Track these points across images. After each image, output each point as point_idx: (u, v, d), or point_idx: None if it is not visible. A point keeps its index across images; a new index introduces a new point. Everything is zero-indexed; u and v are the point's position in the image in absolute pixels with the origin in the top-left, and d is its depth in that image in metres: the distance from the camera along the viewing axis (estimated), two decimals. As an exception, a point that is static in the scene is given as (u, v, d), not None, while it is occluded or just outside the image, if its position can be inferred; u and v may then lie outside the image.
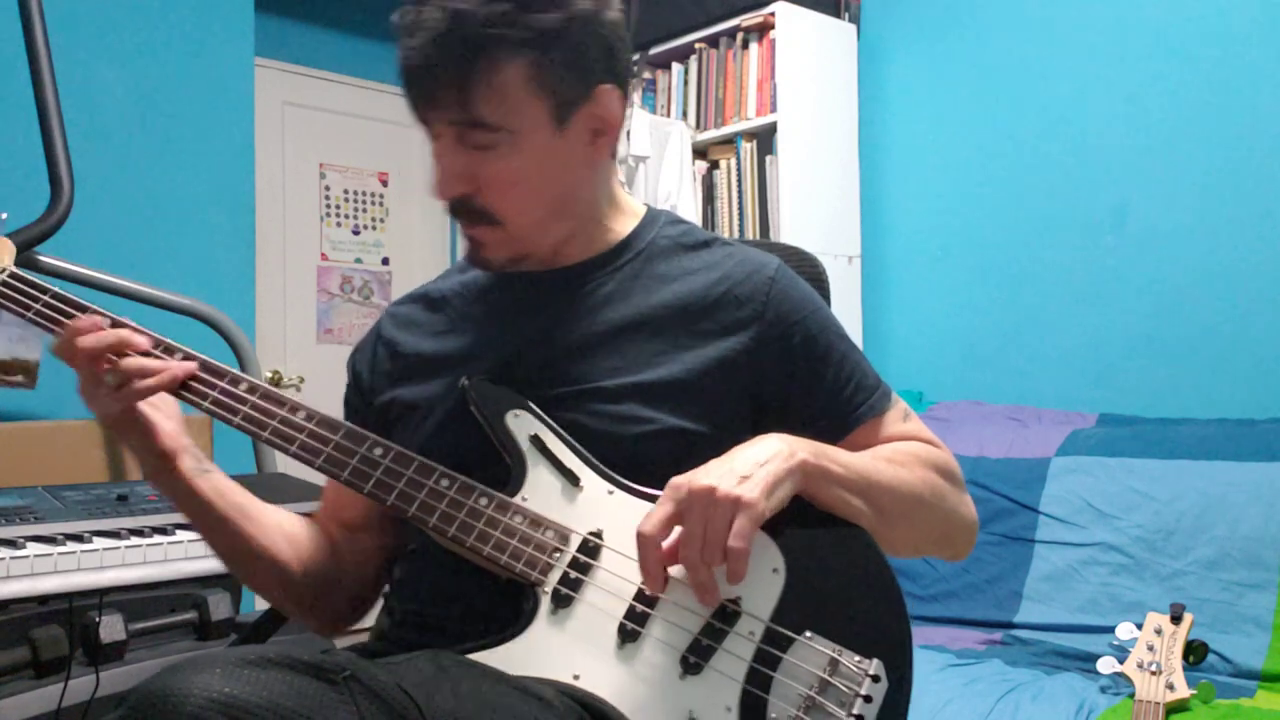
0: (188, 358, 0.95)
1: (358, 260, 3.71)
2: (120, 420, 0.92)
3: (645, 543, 0.80)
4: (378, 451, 0.92)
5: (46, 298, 0.99)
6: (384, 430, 0.99)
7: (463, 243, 0.98)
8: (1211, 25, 2.41)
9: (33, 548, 1.25)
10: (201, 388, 0.94)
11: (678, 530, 0.81)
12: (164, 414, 0.96)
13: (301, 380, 3.49)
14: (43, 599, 1.40)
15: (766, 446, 0.84)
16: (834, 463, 0.86)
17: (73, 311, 0.97)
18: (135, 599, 1.65)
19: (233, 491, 0.99)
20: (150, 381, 0.91)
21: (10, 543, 1.25)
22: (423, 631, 0.92)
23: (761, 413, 0.96)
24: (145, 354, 0.93)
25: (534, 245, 0.97)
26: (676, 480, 0.81)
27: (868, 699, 0.79)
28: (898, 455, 0.95)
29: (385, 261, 3.78)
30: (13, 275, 1.01)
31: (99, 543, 1.30)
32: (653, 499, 0.88)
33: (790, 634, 0.82)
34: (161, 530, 1.38)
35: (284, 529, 1.03)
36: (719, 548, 0.78)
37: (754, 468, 0.81)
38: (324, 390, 3.43)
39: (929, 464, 0.96)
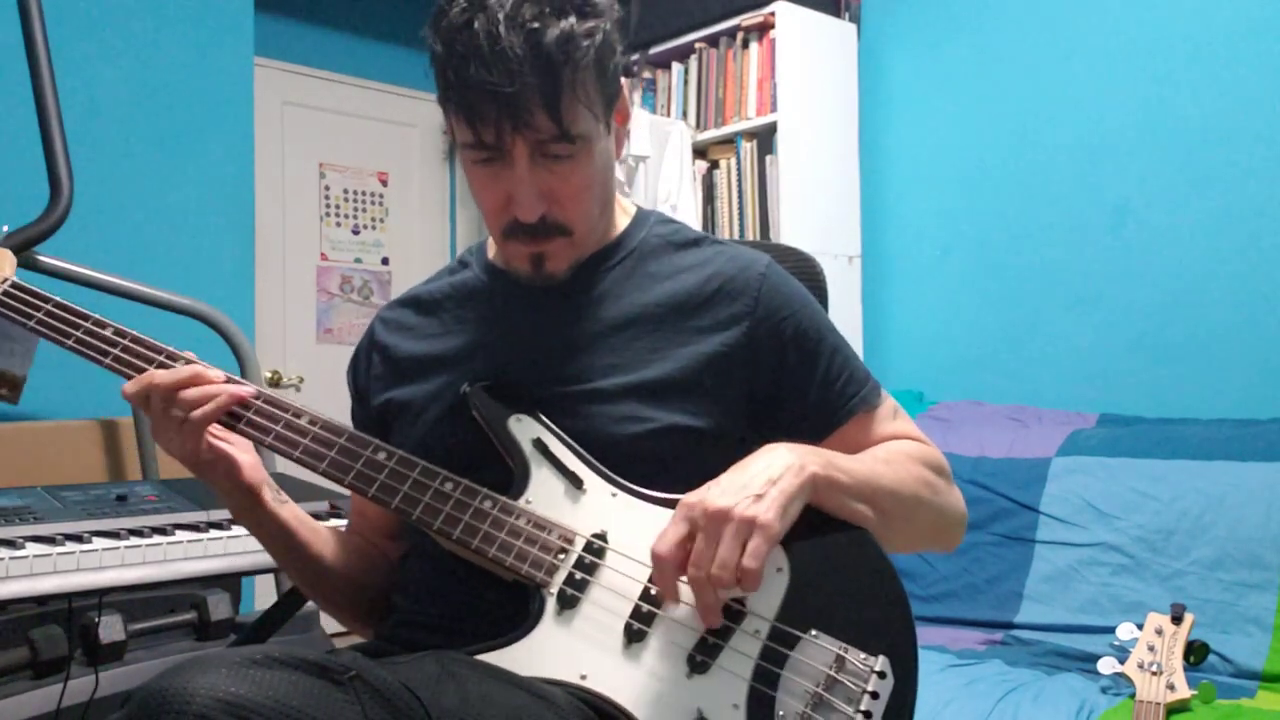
0: (190, 364, 0.96)
1: (357, 260, 3.71)
2: (199, 459, 0.93)
3: (661, 563, 0.80)
4: (381, 456, 0.92)
5: (49, 306, 1.00)
6: (382, 432, 0.99)
7: (522, 262, 0.96)
8: (1212, 25, 2.41)
9: (32, 548, 1.24)
10: None
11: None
12: (240, 449, 0.96)
13: (301, 380, 3.49)
14: (42, 599, 1.40)
15: (778, 460, 0.84)
16: (841, 472, 0.87)
17: (75, 320, 0.99)
18: (134, 599, 1.65)
19: (306, 517, 1.03)
20: (208, 408, 0.91)
21: (9, 543, 1.24)
22: (425, 632, 0.92)
23: (756, 407, 0.97)
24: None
25: (587, 248, 0.99)
26: (689, 499, 0.81)
27: (875, 695, 0.79)
28: (895, 455, 0.96)
29: (385, 261, 3.78)
30: (15, 285, 1.03)
31: (98, 543, 1.29)
32: (656, 501, 0.89)
33: (796, 632, 0.82)
34: (161, 530, 1.37)
35: (347, 547, 1.06)
36: (733, 569, 0.78)
37: (767, 485, 0.81)
38: (324, 391, 3.43)
39: (923, 462, 0.97)
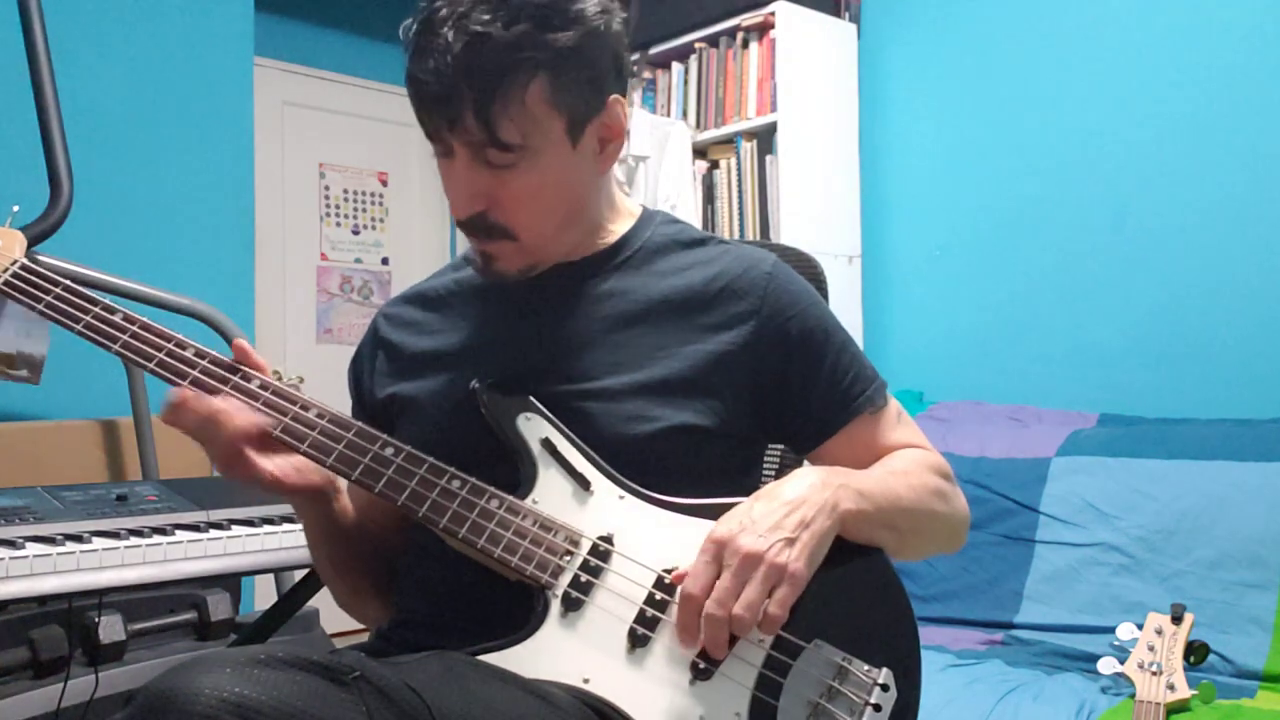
0: (199, 354, 0.96)
1: (357, 260, 3.71)
2: (238, 479, 0.91)
3: (694, 604, 0.80)
4: (389, 451, 0.91)
5: (58, 290, 0.99)
6: (385, 427, 0.99)
7: (474, 256, 0.98)
8: (1211, 25, 2.41)
9: (32, 548, 1.24)
10: (213, 383, 0.94)
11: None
12: (281, 460, 0.93)
13: (301, 380, 3.49)
14: (42, 599, 1.40)
15: (813, 498, 0.84)
16: (869, 502, 0.88)
17: (84, 304, 0.98)
18: (134, 599, 1.65)
19: (346, 510, 1.02)
20: (224, 444, 0.89)
21: (9, 543, 1.24)
22: (425, 631, 0.92)
23: (762, 406, 0.96)
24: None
25: (545, 255, 0.98)
26: (719, 535, 0.81)
27: (877, 708, 0.80)
28: (912, 468, 0.96)
29: (385, 261, 3.78)
30: (24, 268, 1.01)
31: (98, 543, 1.29)
32: (663, 504, 0.89)
33: (800, 642, 0.82)
34: (161, 530, 1.37)
35: (371, 534, 1.05)
36: (757, 613, 0.78)
37: (799, 528, 0.81)
38: (323, 391, 3.42)
39: (934, 471, 0.98)
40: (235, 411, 0.90)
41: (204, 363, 0.95)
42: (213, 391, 0.93)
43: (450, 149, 0.90)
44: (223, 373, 0.94)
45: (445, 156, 0.92)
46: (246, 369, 0.95)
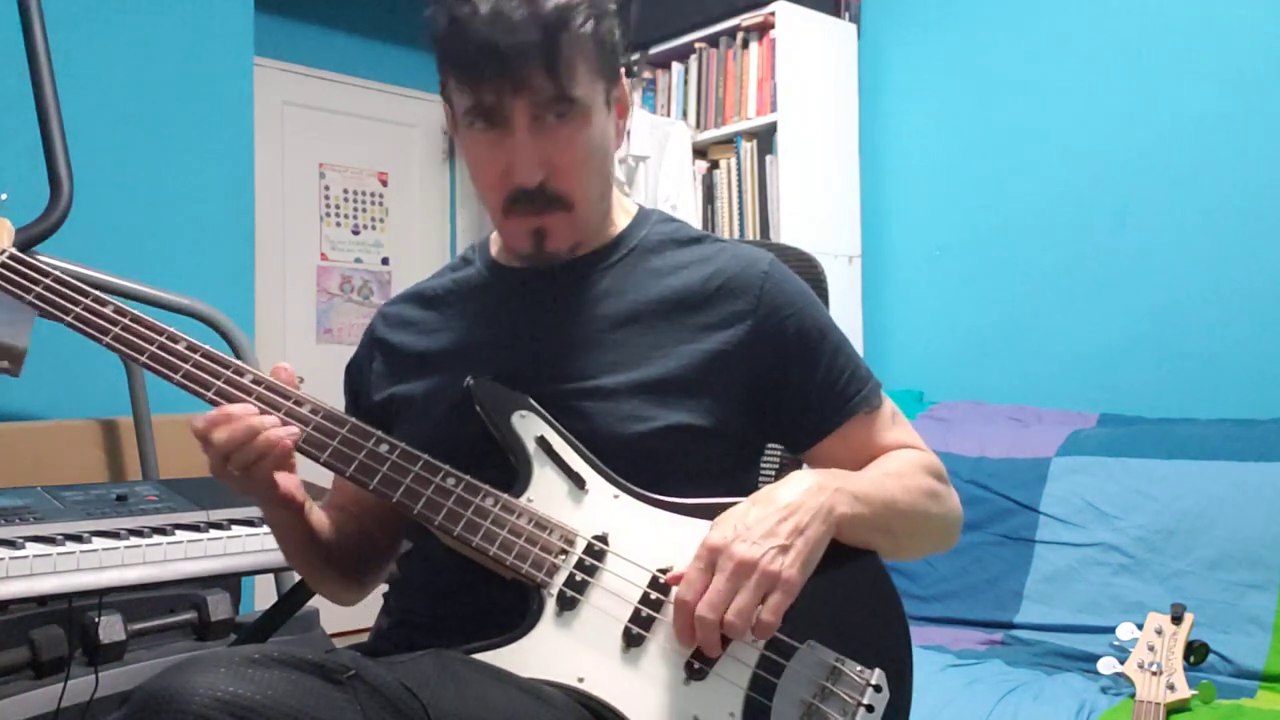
0: (191, 347, 0.94)
1: (357, 260, 3.71)
2: (244, 491, 0.91)
3: (684, 610, 0.80)
4: (384, 448, 0.91)
5: (48, 281, 0.97)
6: (383, 428, 0.99)
7: (524, 239, 0.96)
8: (1212, 25, 2.41)
9: (32, 548, 1.24)
10: (206, 377, 0.93)
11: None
12: (296, 476, 0.93)
13: (301, 380, 3.49)
14: (42, 599, 1.40)
15: (807, 503, 0.84)
16: (864, 504, 0.88)
17: (74, 295, 0.96)
18: (134, 599, 1.65)
19: (322, 520, 1.01)
20: (265, 464, 0.88)
21: (10, 543, 1.24)
22: (423, 631, 0.92)
23: (757, 405, 0.96)
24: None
25: (590, 229, 0.99)
26: (714, 541, 0.81)
27: (870, 708, 0.80)
28: (906, 469, 0.96)
29: (385, 261, 3.78)
30: (12, 257, 0.99)
31: (98, 543, 1.29)
32: (657, 504, 0.89)
33: (793, 643, 0.82)
34: (161, 530, 1.37)
35: (346, 537, 1.04)
36: (749, 619, 0.78)
37: (793, 535, 0.81)
38: (323, 391, 3.42)
39: (928, 471, 0.98)
40: (272, 428, 0.88)
41: (196, 356, 0.94)
42: (205, 385, 0.92)
43: (506, 118, 0.89)
44: (215, 366, 0.93)
45: (495, 130, 0.90)
46: (240, 364, 0.94)
